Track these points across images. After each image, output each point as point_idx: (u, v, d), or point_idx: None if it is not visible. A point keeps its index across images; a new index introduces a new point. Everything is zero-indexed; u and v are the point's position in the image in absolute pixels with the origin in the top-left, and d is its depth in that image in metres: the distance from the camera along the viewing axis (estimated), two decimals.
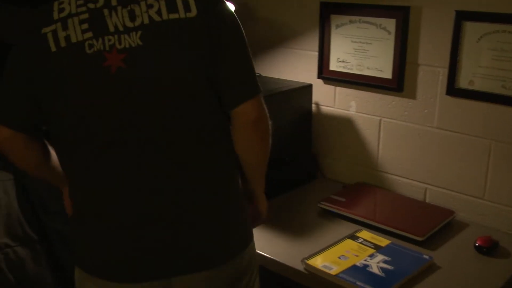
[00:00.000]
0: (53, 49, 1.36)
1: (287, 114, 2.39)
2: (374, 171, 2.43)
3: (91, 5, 1.37)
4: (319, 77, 2.50)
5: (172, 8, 1.37)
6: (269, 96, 2.27)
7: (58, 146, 1.50)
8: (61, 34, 1.35)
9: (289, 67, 2.62)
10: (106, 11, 1.37)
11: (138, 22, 1.36)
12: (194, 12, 1.38)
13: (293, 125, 2.42)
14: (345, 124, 2.48)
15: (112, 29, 1.36)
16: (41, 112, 1.44)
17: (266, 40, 2.68)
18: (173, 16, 1.37)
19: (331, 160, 2.57)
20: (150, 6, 1.37)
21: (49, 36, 1.36)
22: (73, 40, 1.35)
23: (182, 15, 1.37)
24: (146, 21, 1.36)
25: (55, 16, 1.37)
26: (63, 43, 1.35)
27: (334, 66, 2.44)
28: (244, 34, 1.48)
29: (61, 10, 1.38)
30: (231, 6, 2.49)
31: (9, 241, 2.54)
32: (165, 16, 1.37)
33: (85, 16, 1.36)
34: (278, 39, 2.64)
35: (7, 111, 1.48)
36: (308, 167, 2.56)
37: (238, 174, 1.59)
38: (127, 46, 1.35)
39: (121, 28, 1.36)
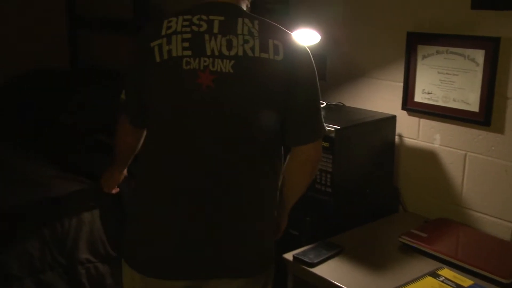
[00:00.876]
0: (158, 60, 1.59)
1: (370, 145, 2.36)
2: (457, 207, 2.35)
3: (195, 28, 1.59)
4: (403, 108, 2.46)
5: (264, 48, 1.58)
6: (352, 126, 2.28)
7: (150, 137, 1.73)
8: (165, 48, 1.58)
9: (373, 97, 2.59)
10: (207, 36, 1.58)
11: (233, 52, 1.57)
12: (281, 56, 1.58)
13: (375, 156, 2.39)
14: (428, 157, 2.41)
15: (209, 52, 1.57)
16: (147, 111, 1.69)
17: (350, 70, 2.67)
18: (264, 55, 1.57)
19: (413, 193, 2.51)
20: (246, 41, 1.57)
21: (156, 49, 1.59)
22: (174, 54, 1.58)
23: (271, 56, 1.57)
24: (241, 53, 1.57)
25: (163, 32, 1.60)
26: (165, 56, 1.58)
27: (419, 97, 2.40)
28: (317, 82, 1.69)
29: (168, 27, 1.61)
30: (317, 37, 2.52)
31: (91, 257, 2.64)
32: (257, 54, 1.57)
33: (188, 36, 1.58)
34: (362, 68, 2.62)
35: (130, 111, 1.80)
36: (389, 199, 2.52)
37: (277, 195, 1.79)
38: (219, 70, 1.56)
39: (217, 53, 1.57)
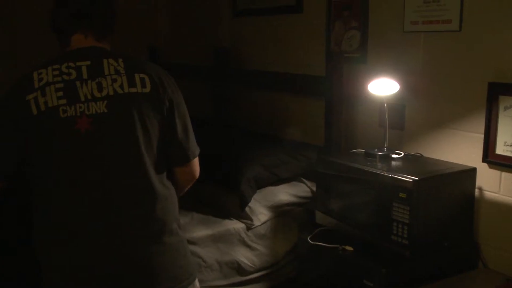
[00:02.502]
0: (35, 112, 1.64)
1: (448, 198, 2.30)
2: None
3: (65, 77, 1.68)
4: (484, 160, 2.40)
5: (131, 83, 1.70)
6: (430, 178, 2.24)
7: (37, 189, 1.74)
8: (41, 100, 1.64)
9: (452, 149, 2.54)
10: (78, 83, 1.68)
11: (104, 93, 1.68)
12: (148, 88, 1.71)
13: (454, 209, 2.33)
14: (511, 212, 2.32)
15: (83, 98, 1.67)
16: (22, 162, 1.71)
17: (429, 120, 2.64)
18: (132, 90, 1.70)
19: (494, 250, 2.41)
20: (114, 80, 1.69)
21: (32, 102, 1.64)
22: (50, 104, 1.64)
23: (140, 89, 1.70)
24: (111, 92, 1.68)
25: (36, 84, 1.66)
26: (42, 107, 1.64)
27: (500, 149, 2.33)
28: (185, 106, 1.82)
29: (40, 79, 1.67)
30: (395, 86, 2.51)
31: None
32: (126, 90, 1.69)
33: (60, 85, 1.67)
34: (441, 119, 2.58)
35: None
36: (468, 255, 2.43)
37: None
38: (94, 112, 1.66)
39: (90, 97, 1.67)
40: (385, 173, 2.25)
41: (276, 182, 2.98)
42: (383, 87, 2.55)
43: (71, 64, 1.70)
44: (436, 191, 2.25)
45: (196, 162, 1.89)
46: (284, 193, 2.96)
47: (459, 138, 2.51)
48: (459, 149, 2.51)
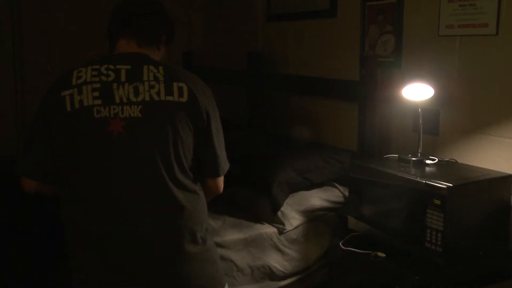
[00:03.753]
0: (68, 109, 1.66)
1: (483, 205, 2.27)
2: None
3: (103, 78, 1.69)
4: None
5: (169, 91, 1.70)
6: (465, 184, 2.21)
7: (66, 188, 1.74)
8: (76, 98, 1.67)
9: (487, 155, 2.49)
10: (115, 85, 1.69)
11: (140, 98, 1.68)
12: (185, 97, 1.70)
13: (489, 217, 2.29)
14: None
15: (118, 100, 1.67)
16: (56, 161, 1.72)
17: (464, 125, 2.60)
18: (169, 98, 1.69)
19: None
20: (152, 87, 1.69)
21: (67, 98, 1.67)
22: (85, 103, 1.66)
23: (176, 98, 1.70)
24: (147, 98, 1.68)
25: (74, 82, 1.69)
26: (77, 105, 1.66)
27: None
28: (219, 121, 1.81)
29: (79, 77, 1.69)
30: (430, 91, 2.48)
31: None
32: (162, 97, 1.69)
33: (97, 85, 1.68)
34: (476, 124, 2.54)
35: (32, 164, 1.76)
36: (504, 264, 2.38)
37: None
38: (128, 116, 1.67)
39: (125, 101, 1.67)
40: (419, 179, 2.23)
41: (309, 186, 2.97)
42: (417, 91, 2.52)
43: (111, 66, 1.72)
44: (471, 198, 2.22)
45: (222, 178, 1.90)
46: (317, 198, 2.95)
47: (495, 144, 2.47)
48: (495, 155, 2.46)
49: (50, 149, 1.72)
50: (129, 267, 1.70)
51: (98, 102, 1.67)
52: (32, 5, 4.33)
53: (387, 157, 2.68)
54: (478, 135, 2.54)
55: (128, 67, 1.72)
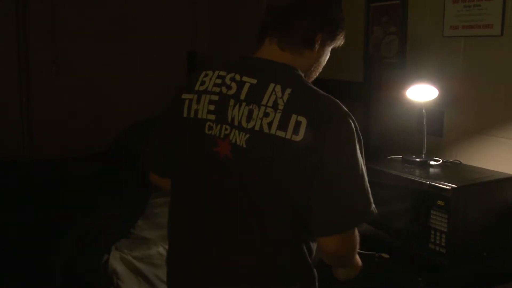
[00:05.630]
0: (185, 114, 1.56)
1: (488, 206, 2.26)
2: None
3: (224, 90, 1.51)
4: None
5: (282, 125, 1.41)
6: (469, 186, 2.20)
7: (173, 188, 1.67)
8: (194, 106, 1.54)
9: (492, 156, 2.49)
10: (232, 101, 1.49)
11: (251, 125, 1.45)
12: (300, 136, 1.40)
13: (494, 218, 2.28)
14: None
15: (229, 120, 1.48)
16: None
17: (468, 126, 2.60)
18: (279, 133, 1.41)
19: None
20: (266, 115, 1.44)
21: (186, 102, 1.56)
22: (199, 115, 1.53)
23: (288, 135, 1.40)
24: (257, 128, 1.44)
25: (196, 87, 1.56)
26: (192, 114, 1.54)
27: None
28: (360, 164, 1.46)
29: (202, 82, 1.56)
30: (434, 92, 2.48)
31: None
32: (272, 131, 1.42)
33: (215, 98, 1.52)
34: (481, 125, 2.54)
35: (151, 160, 1.75)
36: (509, 265, 2.37)
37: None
38: (234, 141, 1.47)
39: (236, 123, 1.47)
40: (423, 180, 2.22)
41: None
42: (421, 92, 2.52)
43: (237, 77, 1.51)
44: (475, 199, 2.21)
45: (348, 237, 1.54)
46: None
47: (500, 145, 2.46)
48: (500, 156, 2.46)
49: (165, 146, 1.66)
50: None
51: (212, 117, 1.51)
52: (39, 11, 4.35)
53: (391, 158, 2.67)
54: (482, 136, 2.54)
55: (254, 81, 1.48)
